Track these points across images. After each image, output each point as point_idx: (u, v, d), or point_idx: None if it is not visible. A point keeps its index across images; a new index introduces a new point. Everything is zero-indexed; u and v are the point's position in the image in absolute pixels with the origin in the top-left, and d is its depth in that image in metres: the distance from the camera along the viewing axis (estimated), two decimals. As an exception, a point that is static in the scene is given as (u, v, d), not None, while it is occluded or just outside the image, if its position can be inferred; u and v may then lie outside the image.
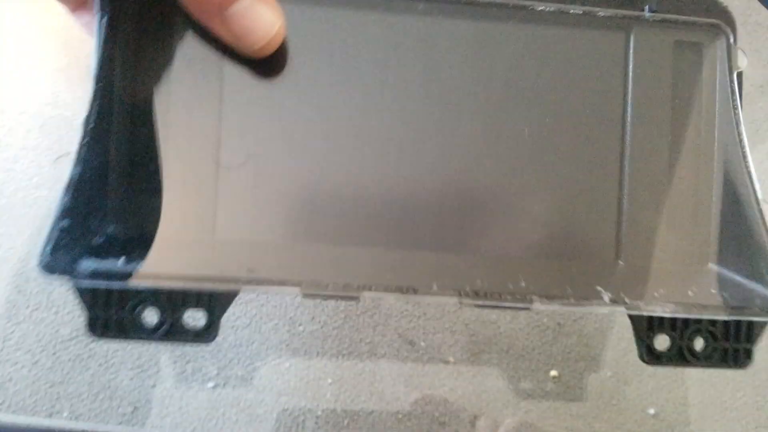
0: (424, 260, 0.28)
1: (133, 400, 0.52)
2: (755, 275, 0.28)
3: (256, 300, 0.54)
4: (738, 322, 0.29)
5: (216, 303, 0.26)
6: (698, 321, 0.28)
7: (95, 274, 0.25)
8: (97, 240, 0.26)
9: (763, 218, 0.28)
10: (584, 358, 0.57)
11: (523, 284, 0.27)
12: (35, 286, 0.52)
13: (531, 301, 0.27)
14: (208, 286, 0.26)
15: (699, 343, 0.29)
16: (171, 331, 0.26)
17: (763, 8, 0.61)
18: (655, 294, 0.28)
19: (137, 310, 0.26)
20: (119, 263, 0.26)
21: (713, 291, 0.29)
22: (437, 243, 0.28)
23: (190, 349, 0.53)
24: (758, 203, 0.28)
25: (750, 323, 0.29)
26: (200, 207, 0.27)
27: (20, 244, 0.53)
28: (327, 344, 0.55)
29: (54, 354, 0.52)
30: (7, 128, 0.54)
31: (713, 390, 0.57)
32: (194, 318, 0.27)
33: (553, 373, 0.56)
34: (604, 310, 0.27)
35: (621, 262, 0.28)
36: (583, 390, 0.56)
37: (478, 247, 0.28)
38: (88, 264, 0.25)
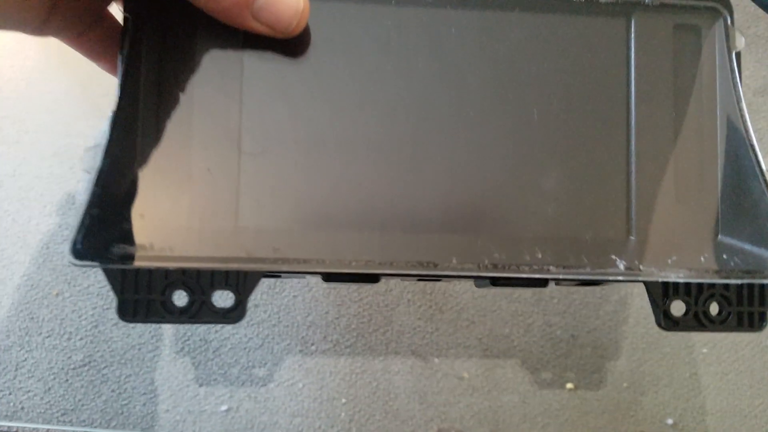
0: (442, 240, 0.29)
1: (146, 426, 0.52)
2: (764, 241, 0.29)
3: (267, 320, 0.54)
4: (751, 287, 0.30)
5: (243, 283, 0.27)
6: (712, 286, 0.30)
7: (125, 258, 0.26)
8: (126, 227, 0.26)
9: (766, 184, 0.29)
10: (599, 369, 0.56)
11: (539, 256, 0.28)
12: (47, 312, 0.52)
13: (548, 271, 0.28)
14: (235, 266, 0.27)
15: (714, 309, 0.30)
16: (200, 312, 0.27)
17: (761, 20, 0.62)
18: (668, 261, 0.29)
19: (166, 292, 0.27)
20: (148, 247, 0.26)
21: (724, 257, 0.30)
22: (454, 223, 0.29)
23: (203, 373, 0.52)
24: (762, 173, 0.29)
25: (762, 287, 0.30)
26: (224, 194, 0.28)
27: (33, 272, 0.53)
28: (340, 363, 0.54)
29: (66, 381, 0.51)
30: (21, 158, 0.55)
31: (731, 398, 0.57)
32: (222, 299, 0.27)
33: (569, 385, 0.55)
34: (620, 277, 0.28)
35: (632, 235, 0.29)
36: (600, 402, 0.55)
37: (493, 225, 0.29)
38: (118, 249, 0.26)
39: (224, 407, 0.53)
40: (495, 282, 0.31)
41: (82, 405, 0.51)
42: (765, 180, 0.29)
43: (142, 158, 0.27)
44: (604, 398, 0.55)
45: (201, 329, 0.53)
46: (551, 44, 0.30)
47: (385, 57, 0.29)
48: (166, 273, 0.27)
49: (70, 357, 0.52)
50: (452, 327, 0.56)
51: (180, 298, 0.27)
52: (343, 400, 0.54)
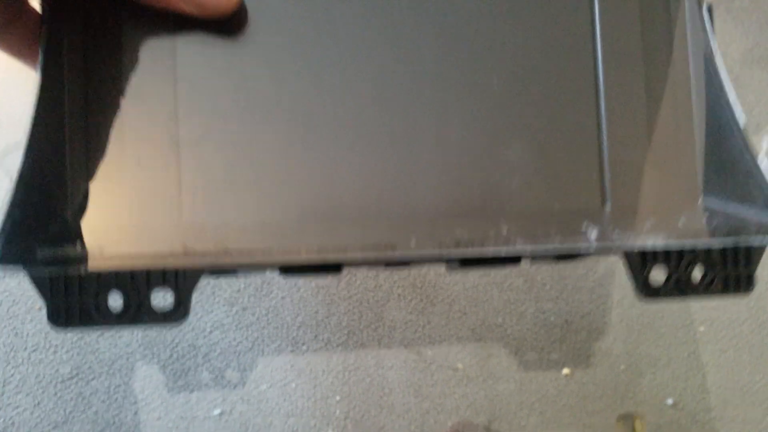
0: (400, 220, 0.27)
1: (139, 435, 0.51)
2: (746, 200, 0.27)
3: (256, 323, 0.54)
4: (735, 248, 0.28)
5: (183, 281, 0.25)
6: (693, 251, 0.27)
7: (51, 262, 0.24)
8: (53, 228, 0.25)
9: (746, 143, 0.27)
10: (595, 353, 0.55)
11: (505, 231, 0.27)
12: (32, 327, 0.51)
13: (515, 247, 0.26)
14: (171, 263, 0.25)
15: (697, 274, 0.28)
16: (138, 315, 0.25)
17: (742, -15, 0.61)
18: (646, 227, 0.27)
19: (100, 295, 0.25)
20: (77, 249, 0.25)
21: (705, 219, 0.28)
22: (412, 201, 0.27)
23: (193, 378, 0.52)
24: (740, 130, 0.27)
25: (747, 248, 0.28)
26: (163, 187, 0.26)
27: (14, 288, 0.52)
28: (332, 362, 0.54)
29: (55, 394, 0.51)
30: (-7, 170, 0.54)
31: (731, 374, 0.56)
32: (162, 299, 0.26)
33: (565, 371, 0.55)
34: (594, 248, 0.27)
35: (607, 201, 0.28)
36: (597, 385, 0.55)
37: (455, 200, 0.27)
38: (43, 253, 0.24)
39: (217, 411, 0.52)
40: (464, 263, 0.29)
41: (73, 417, 0.51)
42: (743, 137, 0.27)
43: (69, 155, 0.26)
44: (601, 382, 0.55)
45: (189, 335, 0.52)
46: (511, 7, 0.28)
47: (327, 33, 0.27)
48: (98, 275, 0.25)
49: (57, 370, 0.51)
50: (444, 319, 0.55)
51: (116, 301, 0.25)
52: (338, 398, 0.53)
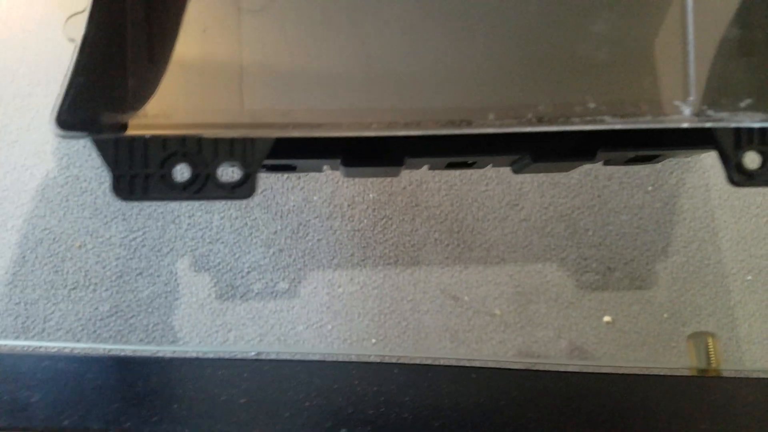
0: (478, 90, 0.25)
1: (177, 373, 0.52)
2: None
3: (293, 264, 0.53)
4: None
5: (251, 153, 0.24)
6: None
7: (116, 127, 0.23)
8: (117, 95, 0.24)
9: None
10: (638, 301, 0.54)
11: (592, 105, 0.25)
12: (71, 265, 0.52)
13: (603, 122, 0.24)
14: (240, 133, 0.24)
15: None
16: (205, 187, 0.24)
17: None
18: (741, 105, 0.25)
19: (166, 165, 0.24)
20: (142, 115, 0.24)
21: None
22: (490, 76, 0.25)
23: (231, 317, 0.52)
24: None
25: None
26: (224, 56, 0.25)
27: (54, 225, 0.52)
28: (368, 304, 0.53)
29: (95, 332, 0.51)
30: (34, 111, 0.54)
31: (779, 326, 0.54)
32: (229, 173, 0.25)
33: (607, 318, 0.53)
34: (686, 124, 0.25)
35: (699, 80, 0.26)
36: (639, 334, 0.53)
37: (537, 75, 0.25)
38: (107, 118, 0.23)
39: (253, 353, 0.52)
40: (536, 158, 0.28)
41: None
42: None
43: (132, 22, 0.25)
44: (643, 330, 0.53)
45: (226, 275, 0.52)
46: None
47: None
48: (164, 143, 0.24)
49: (96, 308, 0.51)
50: (482, 265, 0.54)
51: (182, 173, 0.25)
52: (373, 341, 0.53)
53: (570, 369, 0.31)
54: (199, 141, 0.24)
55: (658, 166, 0.57)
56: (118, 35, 0.24)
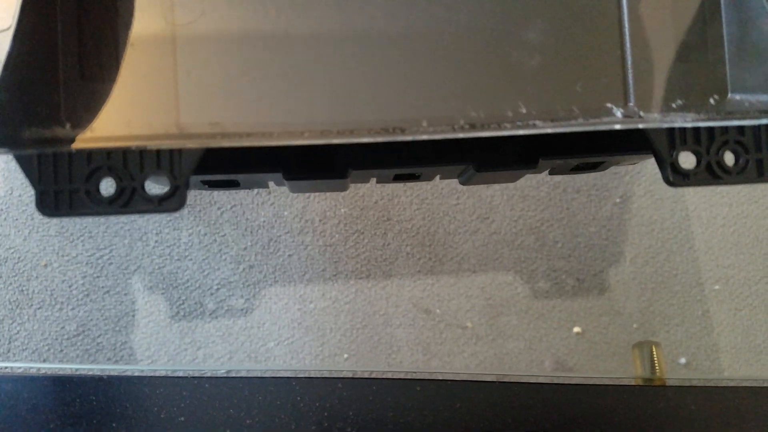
0: (411, 99, 0.25)
1: (146, 392, 0.51)
2: None
3: (263, 281, 0.53)
4: None
5: (179, 164, 0.24)
6: (725, 132, 0.26)
7: (38, 142, 0.23)
8: (42, 110, 0.24)
9: None
10: (607, 312, 0.54)
11: (524, 110, 0.25)
12: (37, 284, 0.51)
13: (534, 126, 0.25)
14: (167, 143, 0.24)
15: (729, 159, 0.26)
16: (132, 200, 0.24)
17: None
18: (673, 106, 0.26)
19: (91, 180, 0.24)
20: (65, 130, 0.24)
21: (737, 98, 0.26)
22: (424, 79, 0.25)
23: (200, 335, 0.51)
24: None
25: None
26: (153, 68, 0.25)
27: (19, 244, 0.52)
28: (340, 320, 0.53)
29: (61, 351, 0.50)
30: None
31: (746, 334, 0.55)
32: (156, 185, 0.25)
33: (577, 329, 0.54)
34: (618, 125, 0.25)
35: (632, 83, 0.26)
36: (609, 344, 0.54)
37: (469, 82, 0.25)
38: (30, 133, 0.23)
39: (223, 370, 0.52)
40: (479, 167, 0.28)
41: (81, 370, 0.50)
42: None
43: (62, 37, 0.24)
44: (613, 341, 0.54)
45: (195, 293, 0.52)
46: None
47: None
48: (88, 157, 0.24)
49: (63, 327, 0.51)
50: (453, 278, 0.54)
51: (108, 188, 0.24)
52: (345, 356, 0.52)
53: (514, 380, 0.31)
54: (124, 154, 0.24)
55: (626, 178, 0.58)
56: (46, 52, 0.24)
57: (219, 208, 0.54)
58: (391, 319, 0.53)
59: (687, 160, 0.26)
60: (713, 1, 0.27)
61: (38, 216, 0.52)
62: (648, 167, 0.58)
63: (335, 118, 0.25)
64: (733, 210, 0.58)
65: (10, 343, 0.50)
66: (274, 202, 0.55)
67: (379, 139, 0.24)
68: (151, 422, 0.29)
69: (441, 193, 0.56)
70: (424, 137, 0.24)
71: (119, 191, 0.24)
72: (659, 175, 0.61)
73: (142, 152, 0.24)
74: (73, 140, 0.23)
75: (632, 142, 0.31)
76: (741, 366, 0.55)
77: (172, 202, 0.24)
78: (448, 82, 0.25)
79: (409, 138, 0.24)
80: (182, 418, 0.29)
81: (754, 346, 0.55)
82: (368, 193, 0.56)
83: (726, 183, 0.26)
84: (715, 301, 0.55)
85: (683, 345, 0.54)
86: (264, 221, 0.54)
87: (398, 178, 0.35)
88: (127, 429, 0.28)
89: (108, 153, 0.24)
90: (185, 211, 0.54)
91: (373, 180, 0.37)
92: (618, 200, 0.57)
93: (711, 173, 0.26)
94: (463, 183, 0.35)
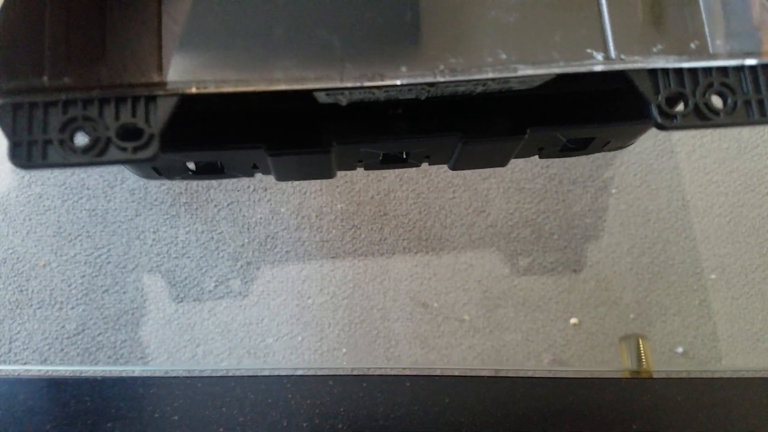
0: (391, 51, 0.25)
1: (147, 389, 0.51)
2: (756, 25, 0.26)
3: (261, 277, 0.53)
4: (754, 72, 0.26)
5: (155, 114, 0.24)
6: (708, 74, 0.26)
7: (13, 91, 0.23)
8: (16, 58, 0.24)
9: None
10: (604, 303, 0.55)
11: (503, 56, 0.25)
12: (36, 284, 0.51)
13: (515, 70, 0.25)
14: (142, 91, 0.24)
15: (717, 101, 0.26)
16: (107, 150, 0.24)
17: None
18: (653, 50, 0.26)
19: (66, 130, 0.24)
20: (43, 80, 0.24)
21: (718, 41, 0.26)
22: (403, 34, 0.26)
23: (199, 332, 0.52)
24: None
25: (766, 70, 0.26)
26: (142, 22, 0.25)
27: (17, 244, 0.52)
28: (338, 315, 0.53)
29: (62, 350, 0.51)
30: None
31: (743, 322, 0.55)
32: (131, 133, 0.25)
33: (573, 320, 0.54)
34: (599, 67, 0.25)
35: (608, 28, 0.26)
36: (606, 335, 0.54)
37: (449, 32, 0.26)
38: (7, 83, 0.23)
39: (224, 364, 0.52)
40: (467, 139, 0.28)
41: (76, 371, 0.51)
42: None
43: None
44: (610, 331, 0.54)
45: (193, 290, 0.52)
46: None
47: None
48: (64, 108, 0.24)
49: (63, 326, 0.51)
50: (450, 271, 0.55)
51: (82, 139, 0.24)
52: (344, 350, 0.53)
53: (502, 374, 0.31)
54: (100, 104, 0.24)
55: (622, 168, 0.58)
56: (34, 4, 0.24)
57: (216, 206, 0.54)
58: (389, 313, 0.54)
59: (673, 101, 0.26)
60: None
61: (36, 216, 0.52)
62: (643, 157, 0.58)
63: (316, 69, 0.25)
64: (729, 199, 0.58)
65: (11, 343, 0.51)
66: (271, 199, 0.55)
67: (360, 83, 0.24)
68: (146, 422, 0.29)
69: (437, 187, 0.57)
70: (404, 81, 0.25)
71: (94, 141, 0.24)
72: (655, 164, 0.61)
73: (117, 101, 0.24)
74: (49, 90, 0.24)
75: (619, 111, 0.31)
76: (738, 354, 0.55)
77: (146, 150, 0.24)
78: (428, 35, 0.26)
79: (389, 82, 0.25)
80: (176, 417, 0.29)
81: (751, 334, 0.55)
82: (364, 188, 0.56)
83: (716, 125, 0.26)
84: (712, 291, 0.56)
85: (680, 334, 0.55)
86: (261, 218, 0.55)
87: (386, 161, 0.35)
88: (122, 429, 0.29)
89: (84, 103, 0.24)
90: (182, 209, 0.54)
91: (368, 173, 0.37)
92: (614, 191, 0.57)
93: (700, 115, 0.26)
94: (452, 167, 0.36)
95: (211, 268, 0.53)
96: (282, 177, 0.36)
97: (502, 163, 0.38)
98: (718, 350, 0.55)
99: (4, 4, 0.24)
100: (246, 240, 0.54)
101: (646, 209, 0.57)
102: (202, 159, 0.33)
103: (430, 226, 0.56)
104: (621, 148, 0.39)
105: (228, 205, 0.54)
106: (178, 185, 0.54)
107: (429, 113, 0.32)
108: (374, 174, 0.56)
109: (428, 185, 0.56)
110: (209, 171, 0.34)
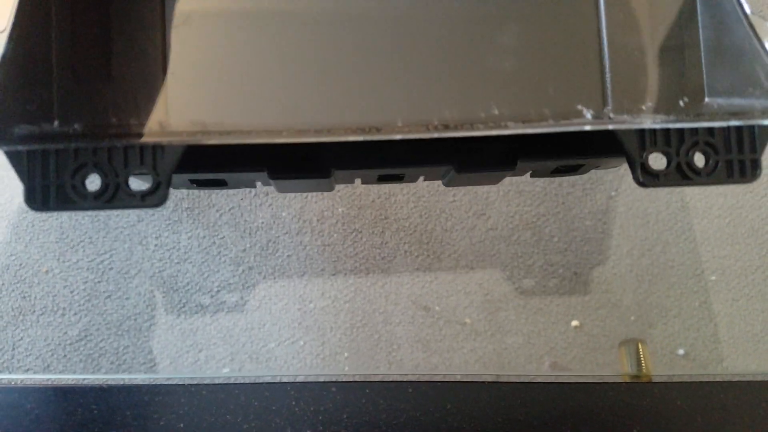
0: (388, 101, 0.26)
1: (150, 395, 0.52)
2: (751, 85, 0.26)
3: (263, 282, 0.53)
4: (739, 132, 0.27)
5: (161, 162, 0.25)
6: (694, 133, 0.27)
7: (28, 139, 0.24)
8: (30, 107, 0.25)
9: (753, 28, 0.26)
10: (605, 305, 0.55)
11: (496, 112, 0.26)
12: (39, 290, 0.52)
13: (506, 127, 0.26)
14: (151, 140, 0.25)
15: (700, 160, 0.27)
16: (116, 196, 0.25)
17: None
18: (643, 108, 0.27)
19: (77, 176, 0.25)
20: (54, 126, 0.25)
21: (706, 101, 0.27)
22: (400, 82, 0.27)
23: (202, 337, 0.52)
24: (746, 16, 0.26)
25: (752, 132, 0.27)
26: (148, 71, 0.26)
27: (20, 251, 0.52)
28: (340, 319, 0.54)
29: (65, 356, 0.51)
30: None
31: (743, 324, 0.55)
32: (140, 182, 0.26)
33: (575, 323, 0.54)
34: (588, 126, 0.26)
35: (605, 86, 0.27)
36: (608, 337, 0.54)
37: (443, 84, 0.27)
38: (21, 130, 0.24)
39: (226, 370, 0.52)
40: (459, 168, 0.29)
41: (82, 380, 0.51)
42: (749, 22, 0.27)
43: (57, 39, 0.25)
44: (611, 333, 0.54)
45: (195, 295, 0.52)
46: None
47: None
48: (75, 154, 0.25)
49: (65, 332, 0.51)
50: (451, 274, 0.55)
51: (93, 183, 0.26)
52: (346, 354, 0.53)
53: (503, 380, 0.32)
54: (109, 151, 0.25)
55: (621, 171, 0.58)
56: (40, 53, 0.25)
57: (217, 211, 0.55)
58: (391, 317, 0.54)
59: (657, 160, 0.27)
60: (690, 5, 0.28)
61: (39, 223, 0.52)
62: (642, 160, 0.58)
63: (315, 119, 0.26)
64: (728, 200, 0.58)
65: (14, 349, 0.51)
66: (272, 204, 0.55)
67: (356, 138, 0.26)
68: (151, 430, 0.29)
69: (437, 191, 0.57)
70: (399, 136, 0.26)
71: (104, 186, 0.25)
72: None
73: (126, 149, 0.25)
74: (60, 137, 0.24)
75: (607, 146, 0.31)
76: (739, 355, 0.55)
77: (154, 197, 0.25)
78: (423, 84, 0.27)
79: (384, 137, 0.26)
80: (181, 425, 0.30)
81: (752, 335, 0.55)
82: (365, 192, 0.57)
83: (696, 184, 0.27)
84: (712, 292, 0.56)
85: (681, 336, 0.55)
86: (262, 222, 0.55)
87: (382, 179, 0.36)
88: None
89: (94, 150, 0.25)
90: (184, 214, 0.54)
91: (366, 180, 0.38)
92: (613, 193, 0.57)
93: (681, 174, 0.27)
94: (446, 185, 0.37)
95: (212, 273, 0.53)
96: (283, 191, 0.36)
97: (494, 183, 0.39)
98: (719, 352, 0.55)
99: (11, 48, 0.25)
100: (248, 245, 0.54)
101: (645, 211, 0.57)
102: (205, 180, 0.34)
103: (430, 229, 0.56)
104: (614, 167, 0.40)
105: (230, 210, 0.55)
106: (180, 191, 0.55)
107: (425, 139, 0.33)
108: (375, 178, 0.57)
109: (428, 189, 0.57)
110: (212, 184, 0.35)
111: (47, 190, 0.25)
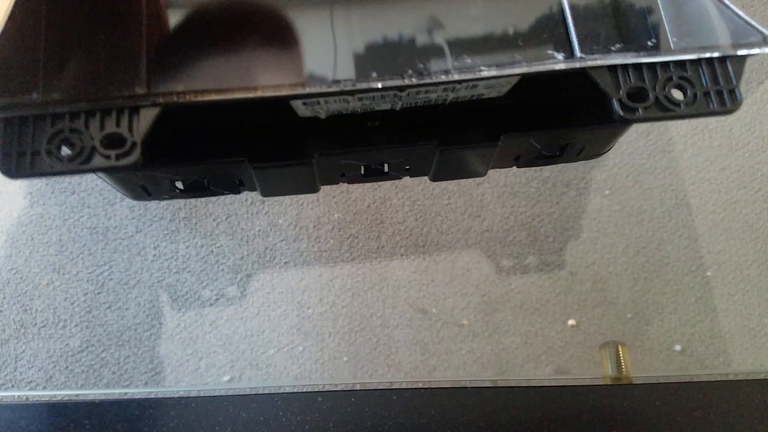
0: (362, 60, 0.27)
1: (152, 404, 0.52)
2: (713, 29, 0.28)
3: (261, 289, 0.54)
4: (711, 66, 0.28)
5: (136, 122, 0.25)
6: (667, 68, 0.27)
7: (7, 107, 0.25)
8: (18, 83, 0.25)
9: None
10: (601, 303, 0.55)
11: (468, 60, 0.27)
12: (40, 303, 0.52)
13: (480, 72, 0.27)
14: (127, 104, 0.25)
15: (678, 95, 0.28)
16: (91, 158, 0.25)
17: None
18: (613, 48, 0.28)
19: (53, 141, 0.25)
20: (33, 96, 0.25)
21: (674, 39, 0.28)
22: (373, 45, 0.28)
23: (201, 346, 0.52)
24: None
25: (723, 63, 0.28)
26: (126, 35, 0.27)
27: (20, 264, 0.53)
28: (338, 323, 0.54)
29: (67, 368, 0.51)
30: None
31: (740, 318, 0.56)
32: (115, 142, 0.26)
33: (571, 322, 0.54)
34: (560, 66, 0.27)
35: (569, 31, 0.28)
36: (604, 335, 0.54)
37: (417, 42, 0.28)
38: (1, 101, 0.25)
39: (227, 377, 0.53)
40: (443, 147, 0.30)
41: (79, 397, 0.51)
42: None
43: (44, 23, 0.26)
44: (608, 331, 0.54)
45: (194, 303, 0.53)
46: None
47: None
48: (52, 121, 0.25)
49: (67, 344, 0.52)
50: (448, 276, 0.55)
51: (69, 148, 0.26)
52: (345, 359, 0.53)
53: (487, 385, 0.32)
54: (85, 115, 0.25)
55: (614, 170, 0.58)
56: (30, 31, 0.26)
57: (215, 220, 0.55)
58: (389, 321, 0.54)
59: (632, 95, 0.27)
60: None
61: (38, 236, 0.53)
62: (635, 157, 0.59)
63: (291, 80, 0.27)
64: (722, 196, 0.58)
65: (16, 362, 0.51)
66: (269, 211, 0.56)
67: (332, 89, 0.26)
68: (142, 443, 0.30)
69: (432, 194, 0.57)
70: (373, 85, 0.26)
71: (79, 149, 0.25)
72: (647, 164, 0.62)
73: (102, 115, 0.26)
74: (38, 105, 0.25)
75: (590, 116, 0.32)
76: (737, 350, 0.55)
77: (128, 157, 0.25)
78: (396, 46, 0.28)
79: (359, 87, 0.26)
80: (172, 439, 0.30)
81: (748, 329, 0.56)
82: (360, 197, 0.57)
83: (678, 116, 0.27)
84: (708, 288, 0.56)
85: (678, 332, 0.55)
86: (259, 230, 0.55)
87: (367, 174, 0.36)
88: None
89: (71, 116, 0.26)
90: (181, 224, 0.55)
91: (351, 178, 0.39)
92: (607, 192, 0.57)
93: (661, 107, 0.27)
94: (432, 179, 0.37)
95: (211, 282, 0.53)
96: (267, 192, 0.37)
97: (481, 172, 0.39)
98: (716, 347, 0.55)
99: (3, 31, 0.26)
100: (245, 252, 0.54)
101: (639, 209, 0.57)
102: (186, 174, 0.34)
103: (426, 232, 0.56)
104: (597, 155, 0.41)
105: (227, 218, 0.55)
106: (177, 201, 0.55)
107: (405, 125, 0.34)
108: (370, 183, 0.57)
109: (423, 192, 0.57)
110: (196, 189, 0.35)
111: (22, 157, 0.25)
